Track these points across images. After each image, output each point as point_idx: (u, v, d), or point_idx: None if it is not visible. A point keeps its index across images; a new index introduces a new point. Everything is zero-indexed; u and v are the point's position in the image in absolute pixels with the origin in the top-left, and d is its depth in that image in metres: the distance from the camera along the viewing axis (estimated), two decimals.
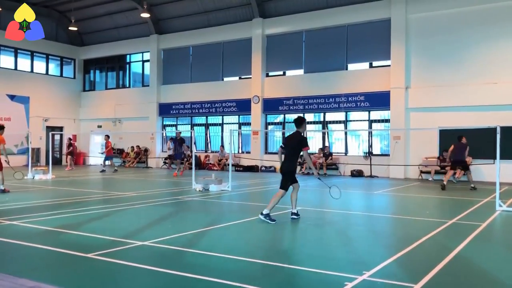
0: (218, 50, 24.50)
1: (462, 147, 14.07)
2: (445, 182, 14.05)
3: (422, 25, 19.00)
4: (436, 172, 17.90)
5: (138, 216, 8.60)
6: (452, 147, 14.29)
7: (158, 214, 8.66)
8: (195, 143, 23.87)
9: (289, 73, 22.91)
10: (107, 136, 21.90)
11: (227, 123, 24.59)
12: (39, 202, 10.20)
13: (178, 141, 19.16)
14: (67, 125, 28.25)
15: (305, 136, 8.39)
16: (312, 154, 21.39)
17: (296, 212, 8.11)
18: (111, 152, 22.26)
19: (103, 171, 20.62)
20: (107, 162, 21.70)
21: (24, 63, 26.81)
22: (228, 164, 14.88)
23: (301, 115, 8.96)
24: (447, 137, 17.82)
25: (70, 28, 25.55)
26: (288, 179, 7.94)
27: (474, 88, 17.63)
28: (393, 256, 5.45)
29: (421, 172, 18.58)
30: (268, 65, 22.97)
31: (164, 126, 26.62)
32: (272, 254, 5.64)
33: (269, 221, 7.62)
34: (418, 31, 19.05)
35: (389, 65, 19.63)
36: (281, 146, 8.35)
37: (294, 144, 8.01)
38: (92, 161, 28.53)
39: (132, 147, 26.41)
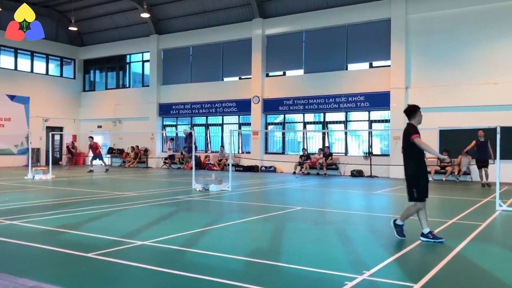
0: (218, 50, 24.50)
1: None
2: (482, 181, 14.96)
3: (422, 25, 19.00)
4: (436, 172, 17.90)
5: (138, 216, 8.59)
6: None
7: (158, 214, 8.66)
8: (195, 143, 23.86)
9: (289, 73, 22.91)
10: (91, 138, 21.77)
11: (227, 123, 24.59)
12: (39, 202, 10.20)
13: (189, 137, 19.87)
14: (67, 125, 28.26)
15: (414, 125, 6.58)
16: (312, 154, 21.41)
17: (426, 233, 6.28)
18: (100, 153, 22.20)
19: (91, 171, 20.60)
20: (95, 162, 21.86)
21: (24, 63, 26.81)
22: (228, 164, 14.87)
23: (413, 103, 6.87)
24: (447, 137, 17.88)
25: (70, 28, 25.58)
26: (410, 186, 6.33)
27: (474, 88, 17.64)
28: (393, 256, 5.46)
29: None
30: (268, 65, 22.97)
31: (164, 126, 26.63)
32: (272, 254, 5.63)
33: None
34: (418, 31, 19.05)
35: (389, 65, 19.64)
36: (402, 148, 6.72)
37: (404, 140, 6.50)
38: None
39: (132, 147, 26.42)
